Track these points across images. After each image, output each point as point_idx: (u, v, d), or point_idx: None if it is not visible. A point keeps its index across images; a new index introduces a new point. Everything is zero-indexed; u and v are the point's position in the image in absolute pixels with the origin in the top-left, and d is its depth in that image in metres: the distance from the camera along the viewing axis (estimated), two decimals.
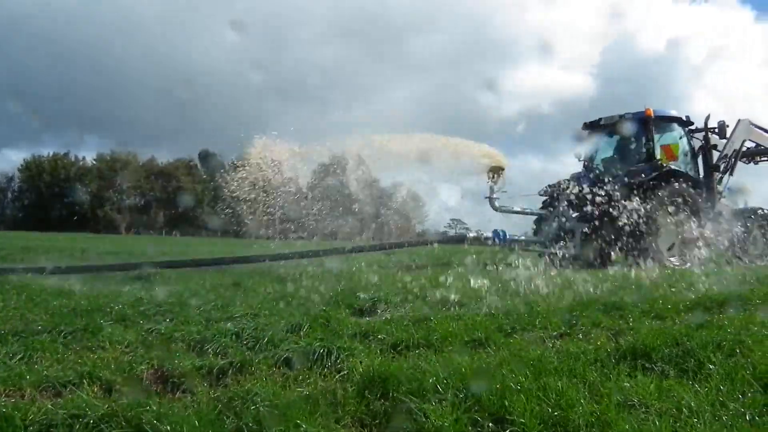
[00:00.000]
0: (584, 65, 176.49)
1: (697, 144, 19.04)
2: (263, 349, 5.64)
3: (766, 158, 20.58)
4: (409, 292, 8.54)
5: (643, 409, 4.15)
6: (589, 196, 16.77)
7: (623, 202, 16.41)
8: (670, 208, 17.01)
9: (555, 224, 17.35)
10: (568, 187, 17.43)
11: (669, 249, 17.13)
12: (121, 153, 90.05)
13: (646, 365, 5.13)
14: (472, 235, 16.60)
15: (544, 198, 18.31)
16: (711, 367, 4.95)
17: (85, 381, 4.71)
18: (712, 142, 19.03)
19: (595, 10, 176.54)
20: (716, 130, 18.77)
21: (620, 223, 16.26)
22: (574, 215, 17.11)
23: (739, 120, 19.34)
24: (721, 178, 19.00)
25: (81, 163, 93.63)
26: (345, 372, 5.01)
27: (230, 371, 5.09)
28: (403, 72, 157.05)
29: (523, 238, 17.73)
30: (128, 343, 5.81)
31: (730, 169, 19.08)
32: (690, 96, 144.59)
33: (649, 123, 17.82)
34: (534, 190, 17.55)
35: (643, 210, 16.30)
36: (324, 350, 5.39)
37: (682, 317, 7.07)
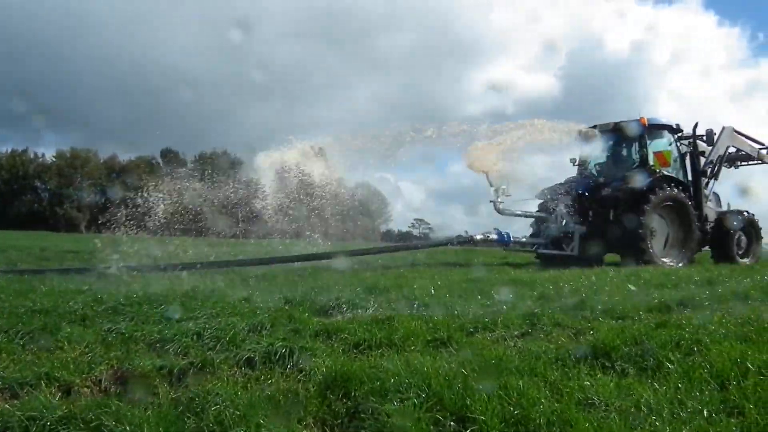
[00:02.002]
0: (549, 66, 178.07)
1: (683, 150, 19.96)
2: (225, 349, 5.59)
3: (745, 162, 21.85)
4: (374, 292, 8.53)
5: (603, 408, 4.18)
6: (586, 200, 17.94)
7: (620, 205, 17.50)
8: (663, 212, 18.00)
9: (554, 226, 18.18)
10: (565, 191, 18.36)
11: (662, 250, 18.07)
12: (81, 150, 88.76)
13: (606, 364, 5.19)
14: (479, 237, 17.00)
15: (541, 201, 19.04)
16: (669, 365, 5.01)
17: (42, 382, 4.63)
18: (699, 149, 19.97)
19: (560, 11, 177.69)
20: (704, 137, 19.82)
21: (616, 226, 17.22)
22: (572, 218, 18.05)
23: (723, 127, 20.44)
24: (707, 182, 20.01)
25: (40, 159, 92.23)
26: (307, 372, 4.98)
27: (191, 371, 5.04)
28: (368, 71, 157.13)
29: (524, 239, 18.40)
30: (87, 343, 5.70)
31: (716, 174, 20.19)
32: (653, 98, 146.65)
33: (644, 131, 18.72)
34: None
35: (638, 213, 17.17)
36: (286, 350, 5.36)
37: (642, 317, 7.18)
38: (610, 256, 18.82)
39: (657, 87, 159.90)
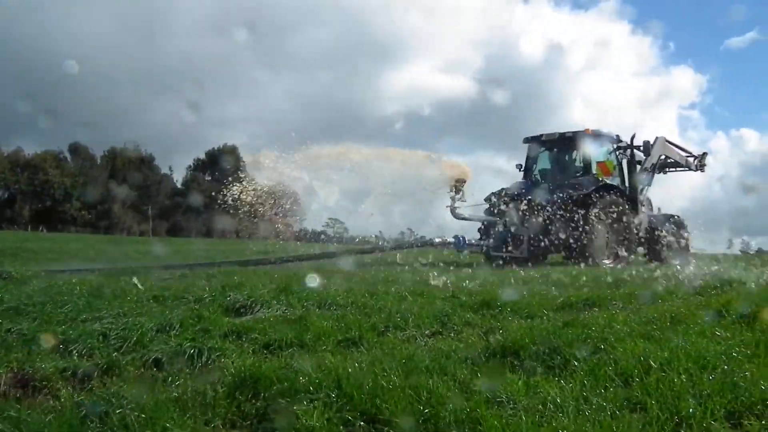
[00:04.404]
0: (466, 69, 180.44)
1: (621, 158, 21.66)
2: (131, 350, 5.49)
3: (673, 169, 23.79)
4: (286, 291, 8.46)
5: (512, 406, 4.23)
6: (533, 205, 18.89)
7: (566, 210, 18.64)
8: (604, 217, 19.24)
9: (504, 229, 19.31)
10: (513, 196, 19.55)
11: (603, 252, 19.32)
12: None
13: (515, 363, 5.26)
14: (437, 240, 18.33)
15: (488, 205, 20.20)
16: (576, 363, 5.12)
17: None
18: (636, 158, 21.66)
19: (478, 14, 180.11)
20: (640, 147, 21.56)
21: (563, 229, 18.46)
22: (521, 221, 19.14)
23: (656, 137, 22.27)
24: (642, 188, 21.55)
25: None
26: (216, 373, 4.91)
27: (96, 373, 4.91)
28: (283, 68, 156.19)
29: (473, 242, 19.42)
30: None
31: (650, 181, 22.02)
32: (567, 102, 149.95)
33: (587, 141, 20.11)
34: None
35: (582, 218, 18.44)
36: (195, 350, 5.30)
37: (550, 316, 7.33)
38: (554, 257, 20.31)
39: (572, 92, 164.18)
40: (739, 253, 23.49)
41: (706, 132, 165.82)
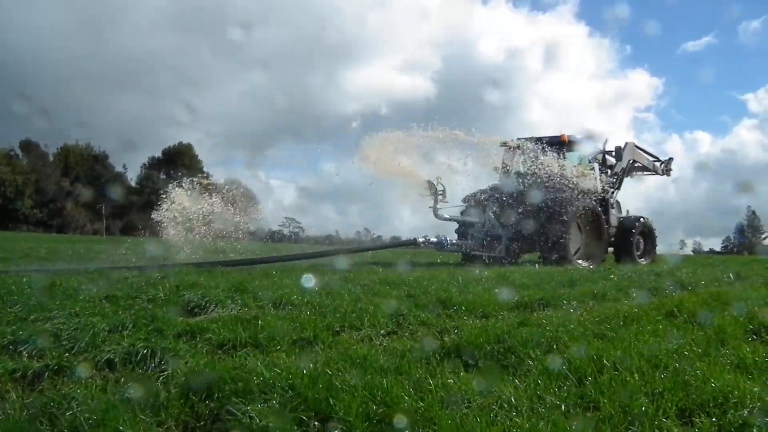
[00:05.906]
0: (425, 70, 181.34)
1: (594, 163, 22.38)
2: (83, 350, 5.38)
3: (640, 173, 24.79)
4: (241, 291, 8.39)
5: (466, 405, 4.24)
6: (511, 207, 19.43)
7: (541, 212, 19.05)
8: (579, 219, 19.97)
9: (483, 229, 19.84)
10: (491, 198, 20.04)
11: (576, 252, 19.98)
12: None
13: (470, 362, 5.28)
14: (421, 240, 18.34)
15: (466, 206, 20.54)
16: (530, 362, 5.15)
17: None
18: (607, 162, 22.59)
19: (437, 15, 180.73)
20: (612, 153, 22.48)
21: (540, 231, 18.88)
22: (500, 222, 19.69)
23: (626, 143, 23.21)
24: (613, 192, 22.37)
25: None
26: (169, 373, 4.84)
27: (46, 374, 4.82)
28: (241, 67, 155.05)
29: (454, 242, 19.68)
30: None
31: (619, 184, 22.84)
32: (526, 104, 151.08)
33: (563, 146, 20.84)
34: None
35: (557, 219, 18.95)
36: (148, 351, 5.22)
37: (505, 315, 7.37)
38: (529, 257, 20.86)
39: (530, 93, 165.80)
40: (692, 253, 24.41)
41: (661, 134, 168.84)
